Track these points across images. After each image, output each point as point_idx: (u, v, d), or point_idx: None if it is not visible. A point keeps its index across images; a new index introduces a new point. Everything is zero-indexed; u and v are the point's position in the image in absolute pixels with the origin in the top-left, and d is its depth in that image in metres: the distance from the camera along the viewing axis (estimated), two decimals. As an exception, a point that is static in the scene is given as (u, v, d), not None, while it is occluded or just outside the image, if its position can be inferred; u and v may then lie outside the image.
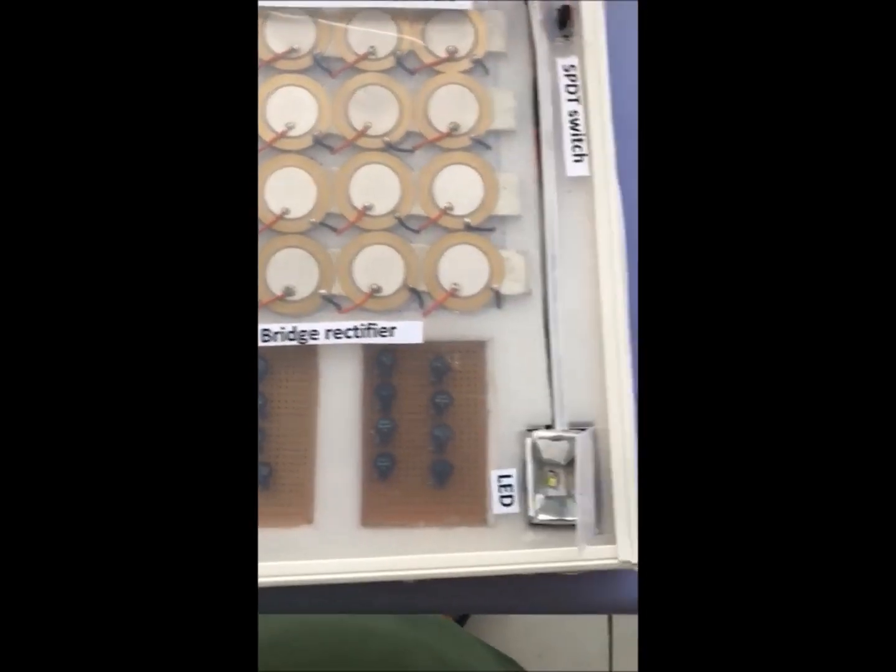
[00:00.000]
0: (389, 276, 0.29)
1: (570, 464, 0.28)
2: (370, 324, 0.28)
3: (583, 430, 0.28)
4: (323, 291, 0.29)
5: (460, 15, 0.30)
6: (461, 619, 0.69)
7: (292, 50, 0.29)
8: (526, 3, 0.30)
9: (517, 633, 0.69)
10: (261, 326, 0.28)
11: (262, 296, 0.28)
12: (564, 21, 0.30)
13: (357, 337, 0.28)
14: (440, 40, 0.30)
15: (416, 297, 0.29)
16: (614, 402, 0.28)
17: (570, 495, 0.28)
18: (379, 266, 0.29)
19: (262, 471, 0.28)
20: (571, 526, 0.28)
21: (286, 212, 0.29)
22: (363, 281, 0.29)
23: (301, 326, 0.28)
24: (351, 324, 0.28)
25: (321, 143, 0.29)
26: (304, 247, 0.29)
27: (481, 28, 0.30)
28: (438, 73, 0.30)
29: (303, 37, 0.29)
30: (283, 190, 0.29)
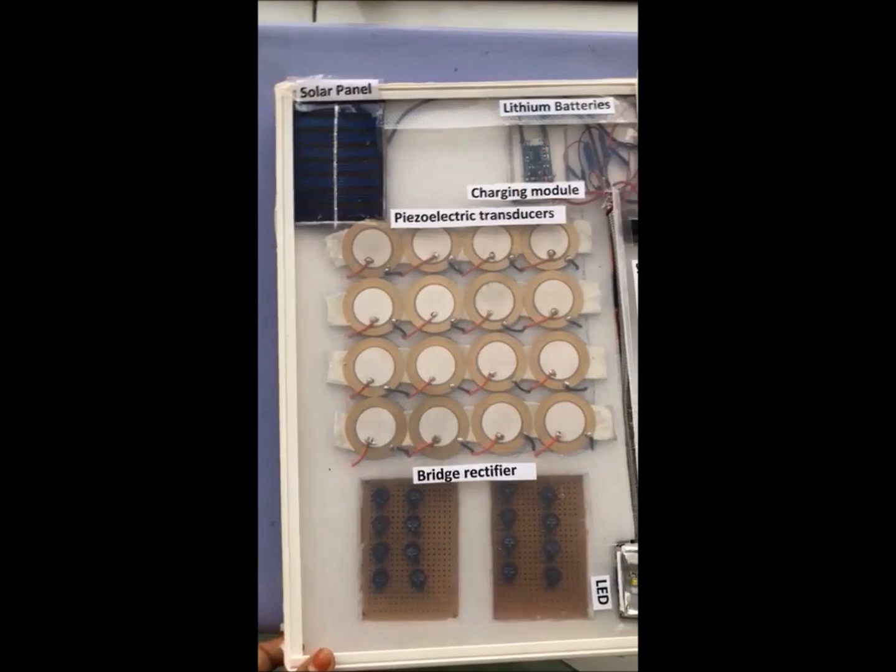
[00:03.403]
0: (509, 426, 0.38)
1: (649, 569, 0.37)
2: (496, 465, 0.38)
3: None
4: (461, 439, 0.38)
5: (557, 227, 0.40)
6: None
7: (434, 257, 0.39)
8: (607, 216, 0.40)
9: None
10: (416, 468, 0.37)
11: (416, 443, 0.38)
12: (636, 230, 0.39)
13: (488, 476, 0.37)
14: (542, 246, 0.40)
15: (530, 443, 0.38)
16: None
17: (651, 594, 0.37)
18: (501, 419, 0.38)
19: (418, 577, 0.37)
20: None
21: (432, 380, 0.38)
22: (490, 430, 0.38)
23: (446, 468, 0.37)
24: (482, 465, 0.38)
25: (457, 326, 0.39)
26: (447, 405, 0.38)
27: (573, 236, 0.40)
28: (541, 270, 0.39)
29: (441, 247, 0.39)
30: (430, 362, 0.38)
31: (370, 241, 0.39)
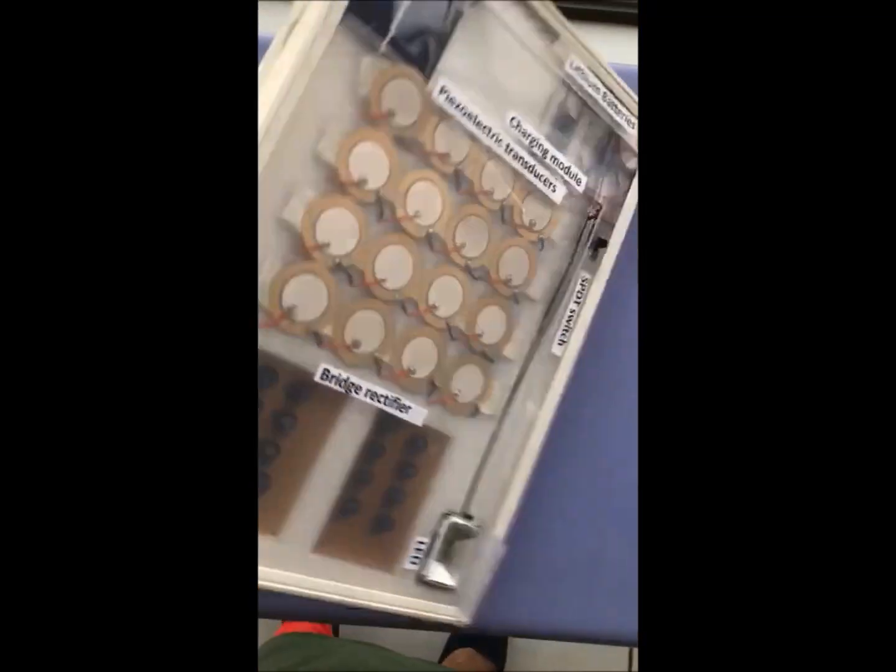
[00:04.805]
0: (423, 365, 0.35)
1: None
2: (397, 397, 0.34)
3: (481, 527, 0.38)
4: (377, 355, 0.33)
5: (549, 203, 0.38)
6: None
7: (447, 155, 0.34)
8: (586, 221, 0.40)
9: (547, 660, 0.73)
10: (323, 366, 0.31)
11: (337, 337, 0.32)
12: (601, 246, 0.40)
13: (385, 404, 0.33)
14: (529, 212, 0.37)
15: (432, 389, 0.35)
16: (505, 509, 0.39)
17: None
18: (421, 355, 0.35)
19: (262, 482, 0.31)
20: (447, 588, 0.37)
21: (384, 281, 0.32)
22: (407, 360, 0.34)
23: (353, 378, 0.32)
24: (386, 392, 0.33)
25: (430, 240, 0.34)
26: (383, 313, 0.33)
27: (554, 219, 0.39)
28: (518, 235, 0.37)
29: (458, 150, 0.34)
30: (391, 261, 0.33)
31: (402, 95, 0.32)
